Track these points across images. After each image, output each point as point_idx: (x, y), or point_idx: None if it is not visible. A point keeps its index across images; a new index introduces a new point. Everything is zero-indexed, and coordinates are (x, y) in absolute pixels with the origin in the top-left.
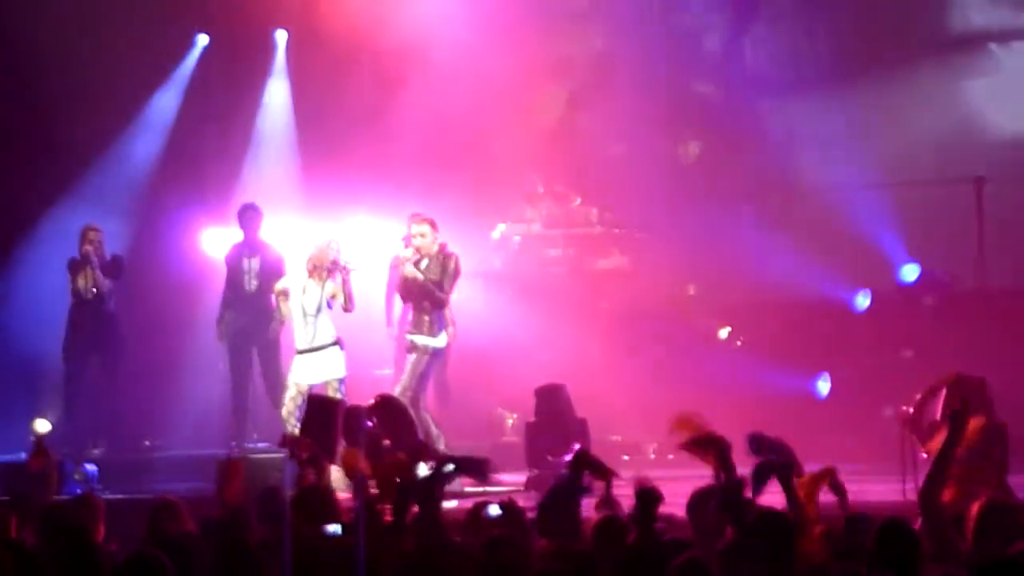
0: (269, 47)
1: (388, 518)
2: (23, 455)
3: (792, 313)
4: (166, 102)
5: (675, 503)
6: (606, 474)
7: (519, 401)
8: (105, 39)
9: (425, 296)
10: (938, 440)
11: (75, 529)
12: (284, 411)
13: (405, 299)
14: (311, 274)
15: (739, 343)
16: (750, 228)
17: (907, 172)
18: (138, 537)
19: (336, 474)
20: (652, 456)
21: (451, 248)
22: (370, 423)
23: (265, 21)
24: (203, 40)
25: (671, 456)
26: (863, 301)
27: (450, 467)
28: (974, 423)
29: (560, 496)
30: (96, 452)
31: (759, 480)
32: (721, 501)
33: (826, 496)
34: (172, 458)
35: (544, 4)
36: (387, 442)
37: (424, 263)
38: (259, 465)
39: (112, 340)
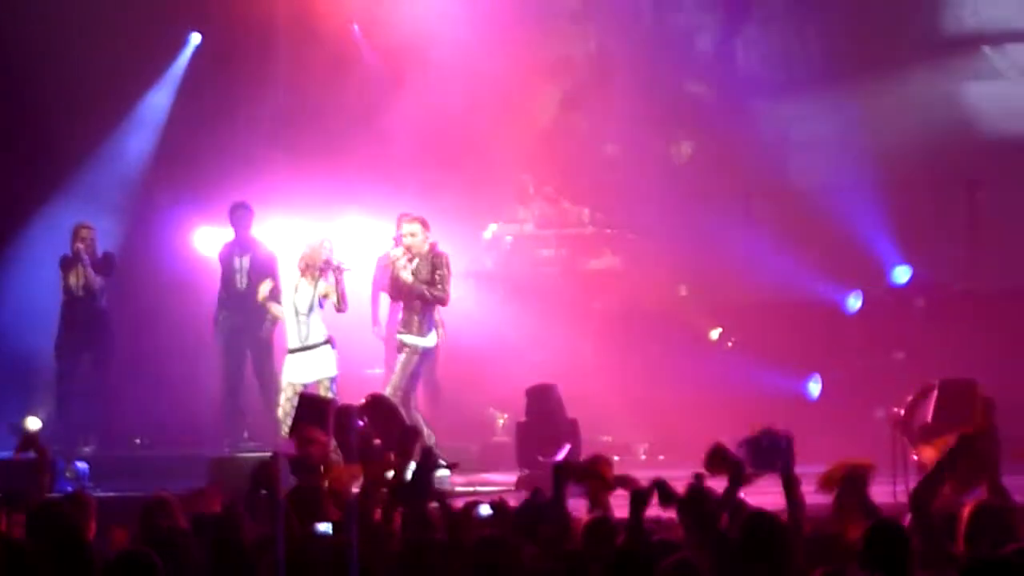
0: (262, 46)
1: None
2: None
3: (783, 314)
4: (159, 100)
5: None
6: (596, 478)
7: (510, 401)
8: (98, 37)
9: (419, 297)
10: (931, 448)
11: (66, 526)
12: (280, 412)
13: (395, 299)
14: (303, 273)
15: (730, 344)
16: (742, 229)
17: (899, 174)
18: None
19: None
20: (643, 457)
21: (441, 248)
22: (361, 422)
23: (258, 20)
24: (196, 39)
25: (661, 457)
26: (854, 303)
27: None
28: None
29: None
30: (87, 450)
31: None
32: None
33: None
34: (163, 456)
35: (538, 5)
36: (378, 441)
37: (415, 263)
38: (250, 465)
39: (104, 338)
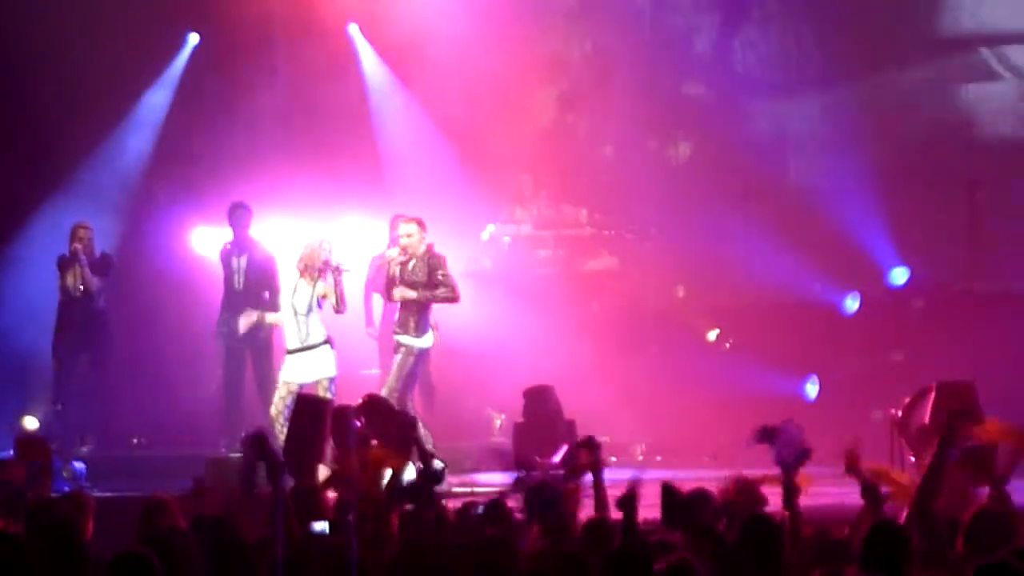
0: (261, 45)
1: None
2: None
3: (781, 315)
4: (157, 100)
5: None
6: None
7: (508, 402)
8: (97, 38)
9: (428, 303)
10: (930, 451)
11: (63, 526)
12: (273, 410)
13: (391, 300)
14: (302, 274)
15: (728, 345)
16: (740, 230)
17: (897, 175)
18: (128, 535)
19: (323, 473)
20: (640, 457)
21: (438, 249)
22: (358, 423)
23: (257, 19)
24: (194, 39)
25: (659, 457)
26: (852, 304)
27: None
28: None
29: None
30: (84, 450)
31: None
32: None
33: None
34: (160, 457)
35: (535, 4)
36: (375, 442)
37: (412, 264)
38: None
39: (101, 338)
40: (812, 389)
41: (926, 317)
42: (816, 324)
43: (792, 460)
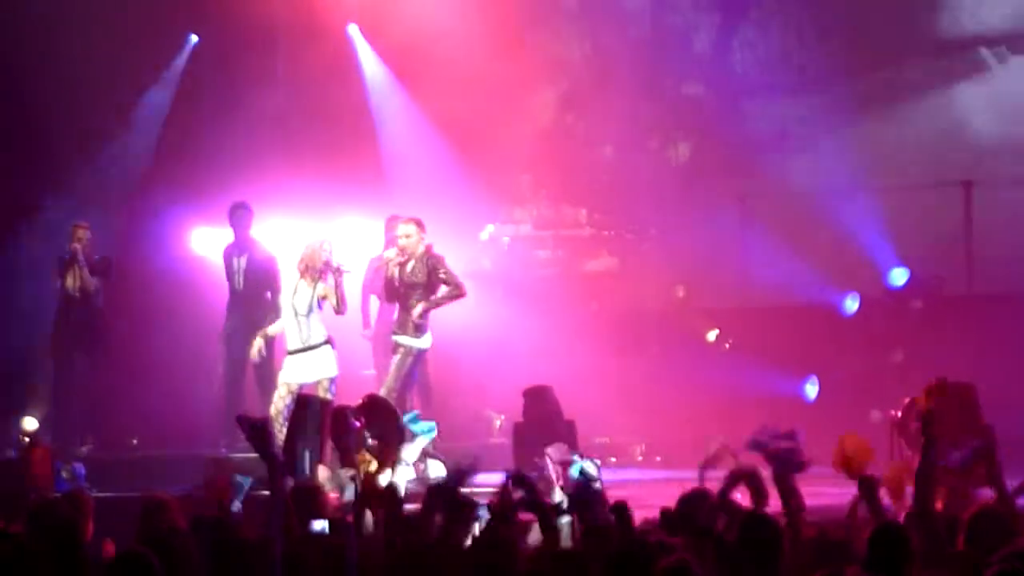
0: (261, 46)
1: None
2: (12, 452)
3: (781, 316)
4: (157, 100)
5: (663, 505)
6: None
7: (507, 402)
8: (97, 38)
9: (439, 305)
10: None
11: (64, 526)
12: (273, 410)
13: (390, 300)
14: (303, 275)
15: (727, 345)
16: (739, 230)
17: (896, 176)
18: (127, 536)
19: (323, 473)
20: (639, 458)
21: (437, 250)
22: (358, 423)
23: (257, 20)
24: (194, 39)
25: (658, 458)
26: (851, 304)
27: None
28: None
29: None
30: (84, 450)
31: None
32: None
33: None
34: (160, 457)
35: (536, 4)
36: (374, 442)
37: (410, 265)
38: (247, 465)
39: (100, 338)
40: (811, 390)
41: (925, 318)
42: (815, 325)
43: (771, 446)
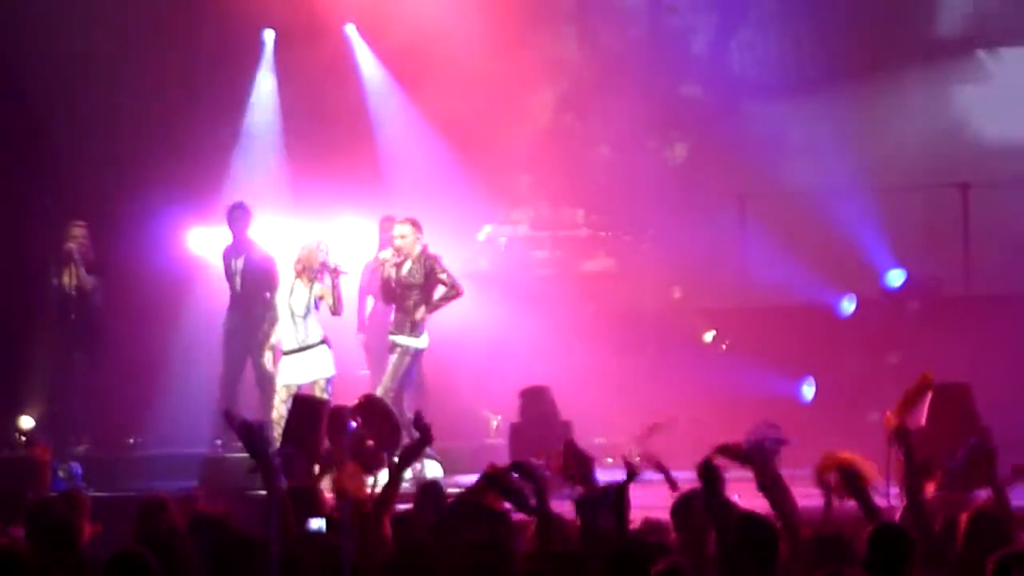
0: (257, 45)
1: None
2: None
3: (777, 317)
4: (154, 100)
5: (660, 507)
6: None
7: (504, 402)
8: (96, 38)
9: (438, 307)
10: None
11: (60, 525)
12: (275, 414)
13: (387, 301)
14: (299, 275)
15: (724, 346)
16: (736, 231)
17: (893, 177)
18: (124, 535)
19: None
20: (636, 459)
21: (432, 250)
22: (354, 423)
23: (253, 19)
24: (191, 38)
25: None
26: (848, 306)
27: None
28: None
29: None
30: (80, 449)
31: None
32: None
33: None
34: (156, 456)
35: (534, 5)
36: (371, 443)
37: (407, 265)
38: (241, 465)
39: (97, 337)
40: (808, 391)
41: (922, 319)
42: (812, 326)
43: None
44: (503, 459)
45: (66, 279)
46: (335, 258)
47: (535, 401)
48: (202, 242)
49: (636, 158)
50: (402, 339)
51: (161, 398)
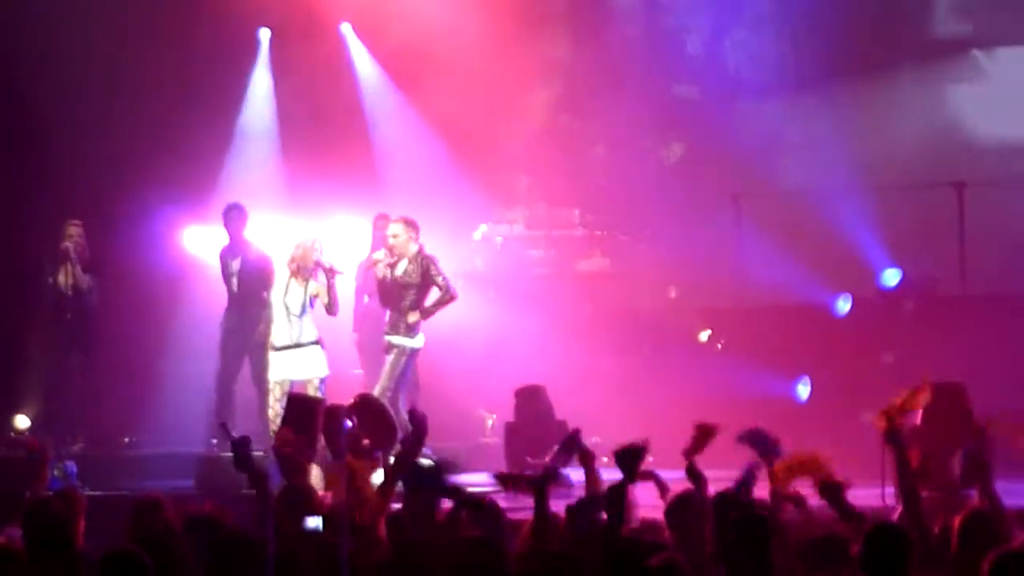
0: (253, 45)
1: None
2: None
3: (773, 317)
4: (152, 99)
5: (656, 506)
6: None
7: (499, 402)
8: (94, 37)
9: (437, 308)
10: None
11: (57, 525)
12: (271, 412)
13: (383, 301)
14: (294, 274)
15: (719, 346)
16: (732, 231)
17: (889, 176)
18: (119, 534)
19: (315, 472)
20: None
21: (428, 250)
22: (350, 423)
23: (250, 19)
24: (188, 38)
25: (650, 458)
26: (844, 305)
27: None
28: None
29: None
30: (75, 449)
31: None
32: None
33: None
34: (151, 455)
35: (529, 5)
36: (366, 442)
37: (403, 265)
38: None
39: (92, 336)
40: (803, 390)
41: (917, 318)
42: (808, 325)
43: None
44: (498, 458)
45: (61, 278)
46: (329, 258)
47: (530, 400)
48: (198, 241)
49: (632, 158)
50: (398, 339)
51: (156, 397)
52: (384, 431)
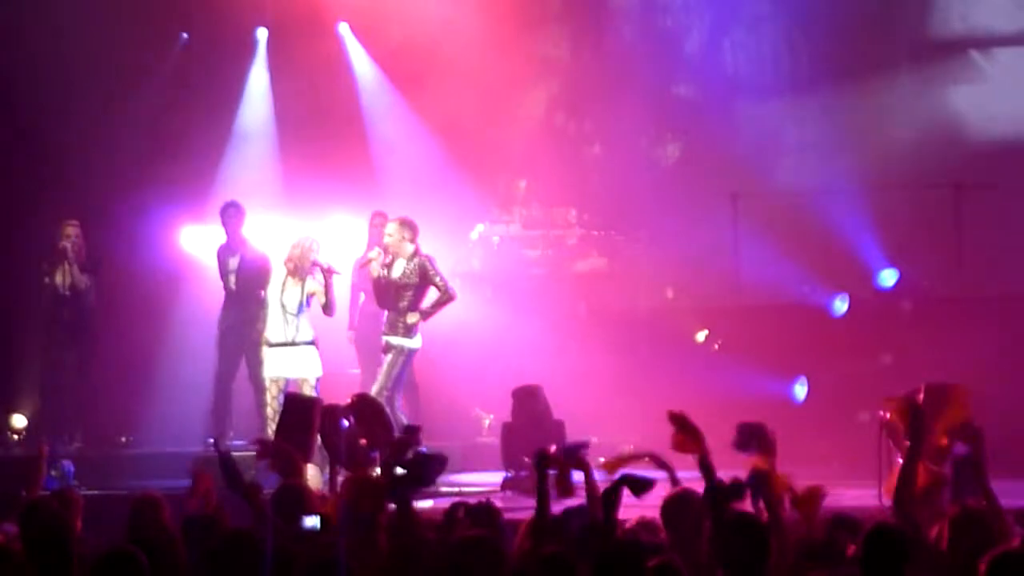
0: (250, 45)
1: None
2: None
3: (770, 317)
4: (147, 99)
5: (652, 506)
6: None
7: (496, 402)
8: (90, 36)
9: (438, 308)
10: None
11: (54, 524)
12: (269, 411)
13: (380, 302)
14: (291, 273)
15: (717, 346)
16: (729, 231)
17: (886, 177)
18: (116, 534)
19: (311, 471)
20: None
21: (425, 250)
22: (347, 422)
23: (247, 19)
24: (185, 38)
25: (647, 459)
26: (841, 306)
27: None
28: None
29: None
30: (73, 448)
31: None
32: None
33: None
34: (149, 455)
35: (526, 4)
36: (364, 441)
37: (400, 266)
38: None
39: (89, 336)
40: (801, 391)
41: (915, 319)
42: (805, 326)
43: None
44: (495, 458)
45: (59, 278)
46: (326, 258)
47: (528, 400)
48: (194, 240)
49: (628, 157)
50: (396, 339)
51: (153, 396)
52: (381, 431)
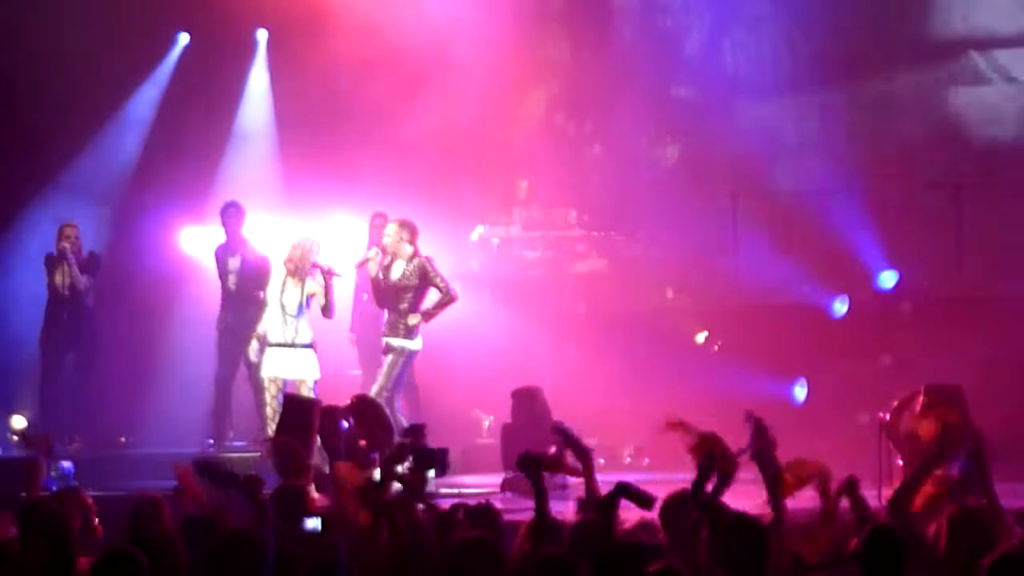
0: (250, 45)
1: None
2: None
3: (770, 318)
4: (147, 98)
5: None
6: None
7: (496, 403)
8: (88, 36)
9: (439, 308)
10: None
11: (55, 525)
12: (268, 411)
13: (379, 302)
14: (291, 274)
15: (716, 348)
16: (729, 232)
17: (886, 178)
18: (116, 535)
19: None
20: (627, 460)
21: (424, 252)
22: (346, 423)
23: (247, 19)
24: (184, 38)
25: (647, 460)
26: (841, 307)
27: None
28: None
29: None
30: (72, 449)
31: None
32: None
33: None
34: (148, 455)
35: (525, 5)
36: (363, 442)
37: (399, 267)
38: (235, 464)
39: (89, 336)
40: (800, 392)
41: (914, 320)
42: (805, 327)
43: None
44: (494, 460)
45: (58, 279)
46: (327, 260)
47: (527, 402)
48: (194, 241)
49: (628, 158)
50: (397, 341)
51: (153, 397)
52: (381, 432)
